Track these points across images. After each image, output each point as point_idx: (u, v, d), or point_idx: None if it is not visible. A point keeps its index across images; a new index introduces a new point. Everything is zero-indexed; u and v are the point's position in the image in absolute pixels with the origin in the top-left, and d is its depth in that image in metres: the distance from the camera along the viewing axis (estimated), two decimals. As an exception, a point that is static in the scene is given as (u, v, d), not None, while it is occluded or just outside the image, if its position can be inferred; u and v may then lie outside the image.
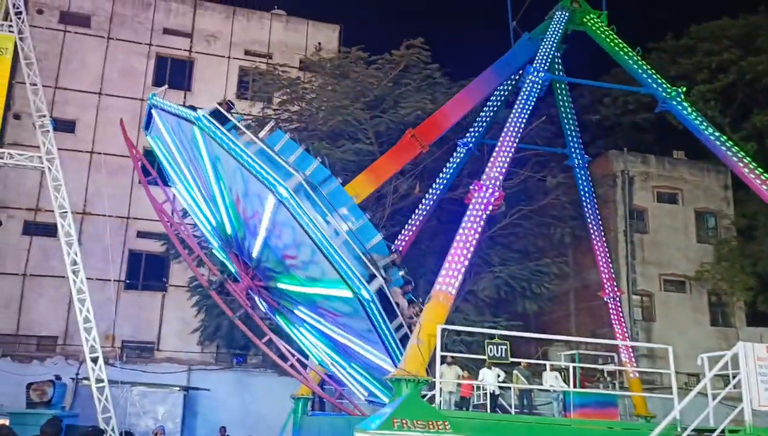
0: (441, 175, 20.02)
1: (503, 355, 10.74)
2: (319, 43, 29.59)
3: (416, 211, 20.16)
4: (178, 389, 22.41)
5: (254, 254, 13.38)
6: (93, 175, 26.68)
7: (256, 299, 15.04)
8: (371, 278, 10.81)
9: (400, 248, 19.47)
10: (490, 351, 10.74)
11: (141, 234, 26.55)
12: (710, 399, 10.73)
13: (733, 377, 10.57)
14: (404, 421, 9.04)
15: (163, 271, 26.37)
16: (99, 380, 18.67)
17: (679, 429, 10.24)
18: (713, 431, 9.96)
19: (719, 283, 28.69)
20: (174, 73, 28.68)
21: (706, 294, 29.29)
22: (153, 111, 14.30)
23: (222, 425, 21.60)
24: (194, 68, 29.17)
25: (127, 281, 26.32)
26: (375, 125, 24.02)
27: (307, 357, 19.04)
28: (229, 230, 13.98)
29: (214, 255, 17.19)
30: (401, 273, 13.34)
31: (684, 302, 29.26)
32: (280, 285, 13.59)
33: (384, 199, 23.76)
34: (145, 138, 26.77)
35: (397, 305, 11.48)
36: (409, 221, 20.01)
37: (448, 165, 19.76)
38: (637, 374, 21.16)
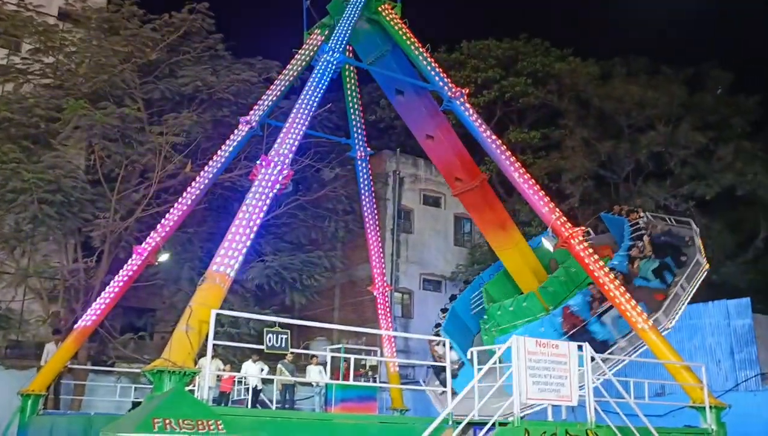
0: (218, 153, 18.46)
1: (283, 345, 9.80)
2: (85, -7, 26.05)
3: (187, 190, 18.34)
4: None
5: None
6: None
7: None
8: None
9: (167, 230, 17.61)
10: (269, 341, 9.72)
11: None
12: (476, 392, 10.91)
13: (501, 371, 10.86)
14: (167, 421, 7.68)
15: None
16: None
17: (451, 422, 10.17)
18: (483, 424, 10.02)
19: (471, 284, 30.78)
20: None
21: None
22: None
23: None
24: None
25: None
26: (148, 91, 21.67)
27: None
28: None
29: None
30: None
31: (439, 301, 30.82)
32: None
33: (149, 173, 21.55)
34: None
35: None
36: (179, 201, 18.14)
37: (226, 143, 18.27)
38: (397, 369, 21.61)
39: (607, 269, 14.77)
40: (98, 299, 16.86)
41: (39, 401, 15.50)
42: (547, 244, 15.45)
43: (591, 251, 14.98)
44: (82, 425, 11.73)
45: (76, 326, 16.76)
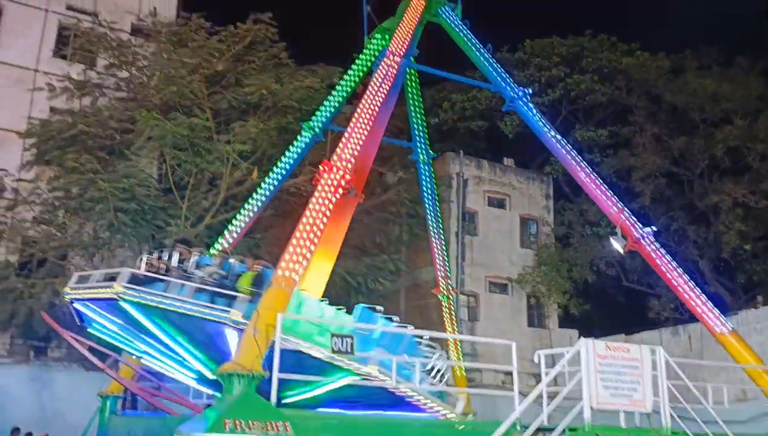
0: (282, 160, 18.82)
1: (348, 348, 9.87)
2: (155, 8, 27.03)
3: (252, 197, 18.75)
4: (-43, 384, 19.14)
5: None
6: None
7: None
8: None
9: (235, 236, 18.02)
10: (335, 344, 9.82)
11: None
12: (545, 397, 10.66)
13: (570, 375, 10.60)
14: (237, 422, 7.86)
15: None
16: None
17: (519, 428, 10.00)
18: (552, 429, 9.81)
19: (538, 286, 30.26)
20: (-23, 21, 24.74)
21: (526, 296, 30.77)
22: (75, 305, 12.92)
23: (15, 425, 18.77)
24: (2, 18, 25.33)
25: None
26: (215, 101, 22.25)
27: (119, 352, 16.93)
28: (211, 376, 12.43)
29: None
30: None
31: (506, 303, 30.55)
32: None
33: (218, 181, 22.12)
34: None
35: None
36: (245, 208, 18.56)
37: (290, 149, 18.59)
38: (464, 372, 21.44)
39: (681, 271, 14.25)
40: (171, 304, 17.38)
41: (117, 402, 16.12)
42: (617, 245, 14.99)
43: (663, 251, 14.50)
44: (158, 426, 12.12)
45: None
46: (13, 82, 24.34)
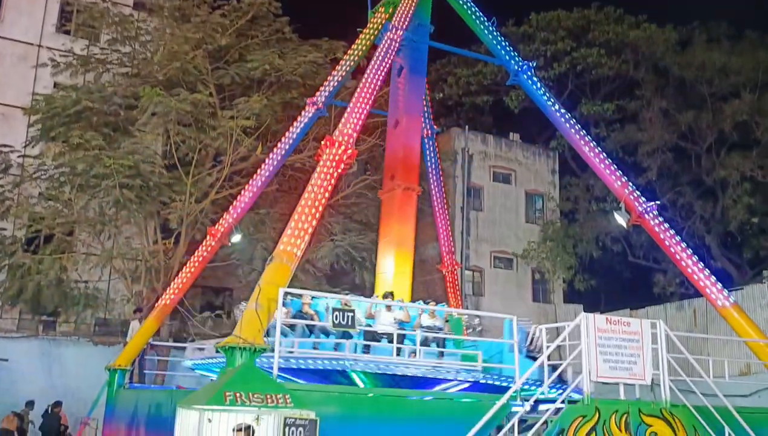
0: (286, 135, 18.77)
1: (349, 323, 9.95)
2: (158, -18, 26.82)
3: (257, 173, 18.75)
4: (-33, 359, 19.43)
5: None
6: None
7: None
8: None
9: (239, 211, 18.04)
10: (336, 318, 9.91)
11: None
12: (546, 369, 10.73)
13: (571, 348, 10.66)
14: (238, 394, 7.95)
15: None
16: None
17: (519, 399, 10.10)
18: (552, 401, 9.90)
19: (543, 261, 30.25)
20: (-21, -4, 24.67)
21: (531, 272, 30.78)
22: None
23: (29, 399, 19.11)
24: (5, -6, 25.25)
25: None
26: (219, 77, 22.18)
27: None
28: None
29: None
30: None
31: (511, 279, 30.58)
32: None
33: (222, 157, 22.15)
34: None
35: None
36: (249, 183, 18.58)
37: (294, 125, 18.54)
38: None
39: (684, 245, 14.22)
40: (176, 279, 17.55)
41: (125, 376, 16.34)
42: (620, 219, 14.94)
43: (667, 226, 14.46)
44: (165, 399, 12.26)
45: (157, 304, 17.53)
46: (17, 59, 24.35)
